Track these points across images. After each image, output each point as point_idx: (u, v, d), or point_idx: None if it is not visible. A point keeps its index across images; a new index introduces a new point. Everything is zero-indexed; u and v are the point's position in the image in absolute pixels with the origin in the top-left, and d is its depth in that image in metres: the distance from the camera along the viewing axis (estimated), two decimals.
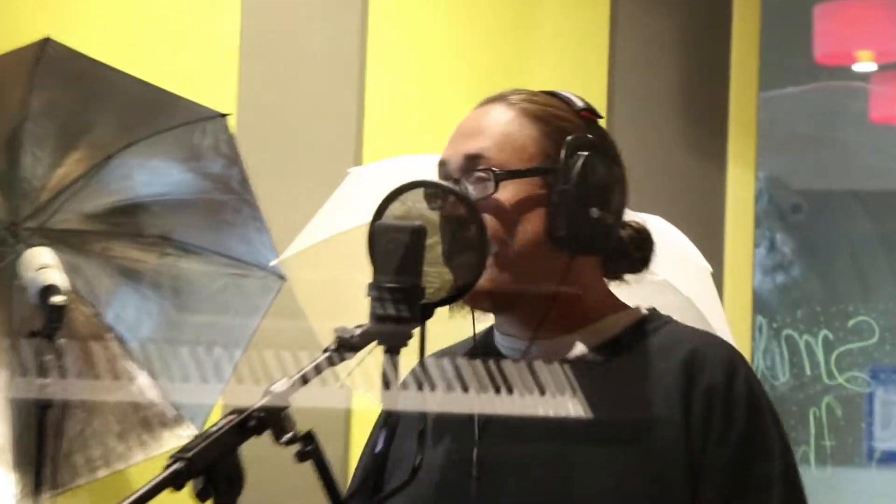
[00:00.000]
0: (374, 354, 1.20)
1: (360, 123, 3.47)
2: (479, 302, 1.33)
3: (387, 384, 1.17)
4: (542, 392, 1.28)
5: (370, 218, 1.30)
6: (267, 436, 1.12)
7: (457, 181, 1.35)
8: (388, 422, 1.32)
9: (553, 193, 1.33)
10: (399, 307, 1.19)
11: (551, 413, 1.25)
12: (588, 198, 1.34)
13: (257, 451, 1.17)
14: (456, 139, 1.39)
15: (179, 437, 2.77)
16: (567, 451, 1.27)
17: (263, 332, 2.87)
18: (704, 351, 1.33)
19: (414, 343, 1.22)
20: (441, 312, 1.31)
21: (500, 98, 1.40)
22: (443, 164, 1.39)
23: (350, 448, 3.28)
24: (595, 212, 1.33)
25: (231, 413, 1.11)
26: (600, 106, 1.61)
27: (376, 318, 1.19)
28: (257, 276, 2.91)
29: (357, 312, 1.45)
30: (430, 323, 1.23)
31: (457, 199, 1.30)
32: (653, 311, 1.41)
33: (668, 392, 1.30)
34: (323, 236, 2.61)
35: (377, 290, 1.19)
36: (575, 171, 1.33)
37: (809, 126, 4.43)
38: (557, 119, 1.37)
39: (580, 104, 1.40)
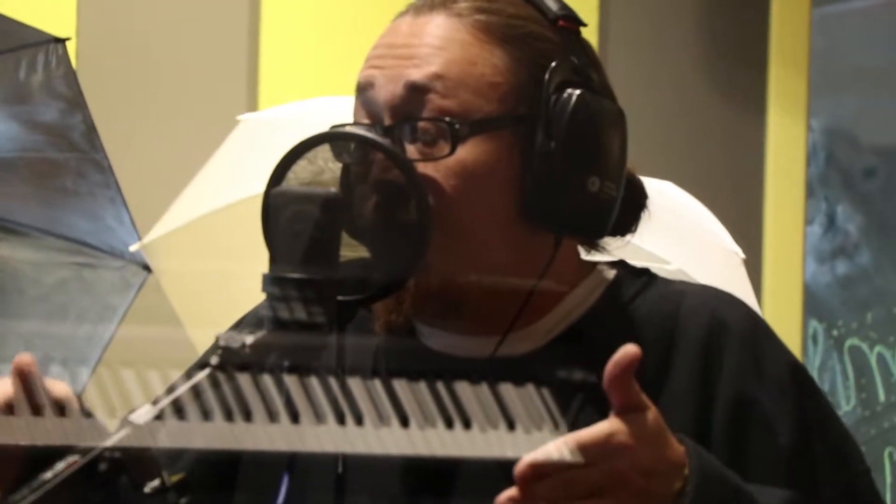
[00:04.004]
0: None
1: (255, 54, 3.48)
2: (420, 306, 1.35)
3: (293, 415, 1.19)
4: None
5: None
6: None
7: (387, 128, 1.34)
8: (292, 464, 1.34)
9: (532, 152, 1.33)
10: (309, 308, 1.21)
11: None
12: (584, 159, 1.35)
13: None
14: (385, 57, 1.35)
15: None
16: None
17: (121, 343, 2.89)
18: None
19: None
20: None
21: (439, 5, 1.37)
22: (365, 90, 1.37)
23: None
24: (595, 182, 1.35)
25: (73, 454, 1.13)
26: (590, 28, 1.59)
27: (276, 322, 1.21)
28: (111, 266, 2.92)
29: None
30: None
31: (389, 159, 1.31)
32: (622, 267, 1.45)
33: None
34: (202, 211, 2.63)
35: (277, 285, 1.21)
36: (564, 121, 1.35)
37: (884, 56, 4.49)
38: (529, 37, 1.36)
39: (554, 7, 1.38)
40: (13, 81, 2.91)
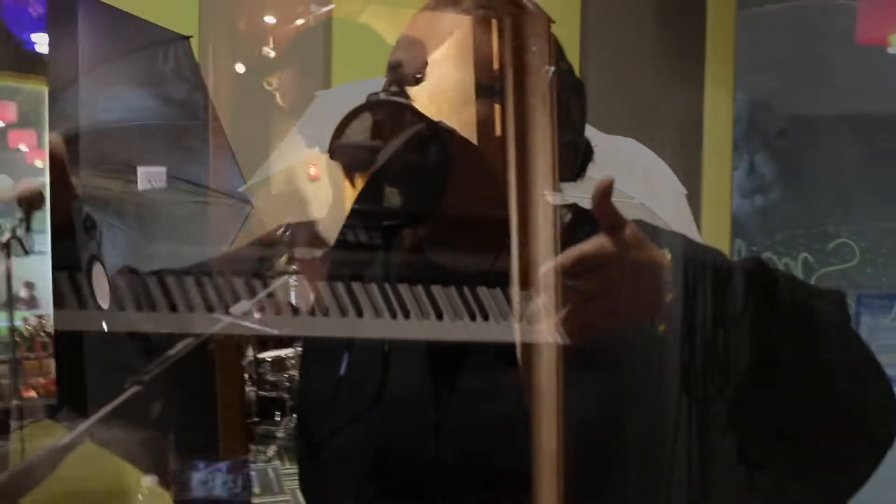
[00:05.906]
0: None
1: (329, 45, 3.45)
2: (439, 231, 1.32)
3: (358, 311, 1.17)
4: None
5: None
6: None
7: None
8: (351, 345, 1.33)
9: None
10: (368, 233, 1.19)
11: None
12: (567, 117, 1.32)
13: None
14: (409, 44, 1.32)
15: None
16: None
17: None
18: None
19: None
20: None
21: (450, 3, 1.32)
22: (394, 68, 1.33)
23: None
24: (568, 135, 1.31)
25: (189, 336, 1.12)
26: (573, 25, 1.53)
27: (338, 243, 1.19)
28: (224, 203, 2.92)
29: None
30: None
31: (419, 118, 1.28)
32: None
33: None
34: (290, 163, 2.61)
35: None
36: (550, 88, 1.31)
37: (792, 46, 4.42)
38: (513, 18, 1.30)
39: None
40: (152, 69, 2.89)
